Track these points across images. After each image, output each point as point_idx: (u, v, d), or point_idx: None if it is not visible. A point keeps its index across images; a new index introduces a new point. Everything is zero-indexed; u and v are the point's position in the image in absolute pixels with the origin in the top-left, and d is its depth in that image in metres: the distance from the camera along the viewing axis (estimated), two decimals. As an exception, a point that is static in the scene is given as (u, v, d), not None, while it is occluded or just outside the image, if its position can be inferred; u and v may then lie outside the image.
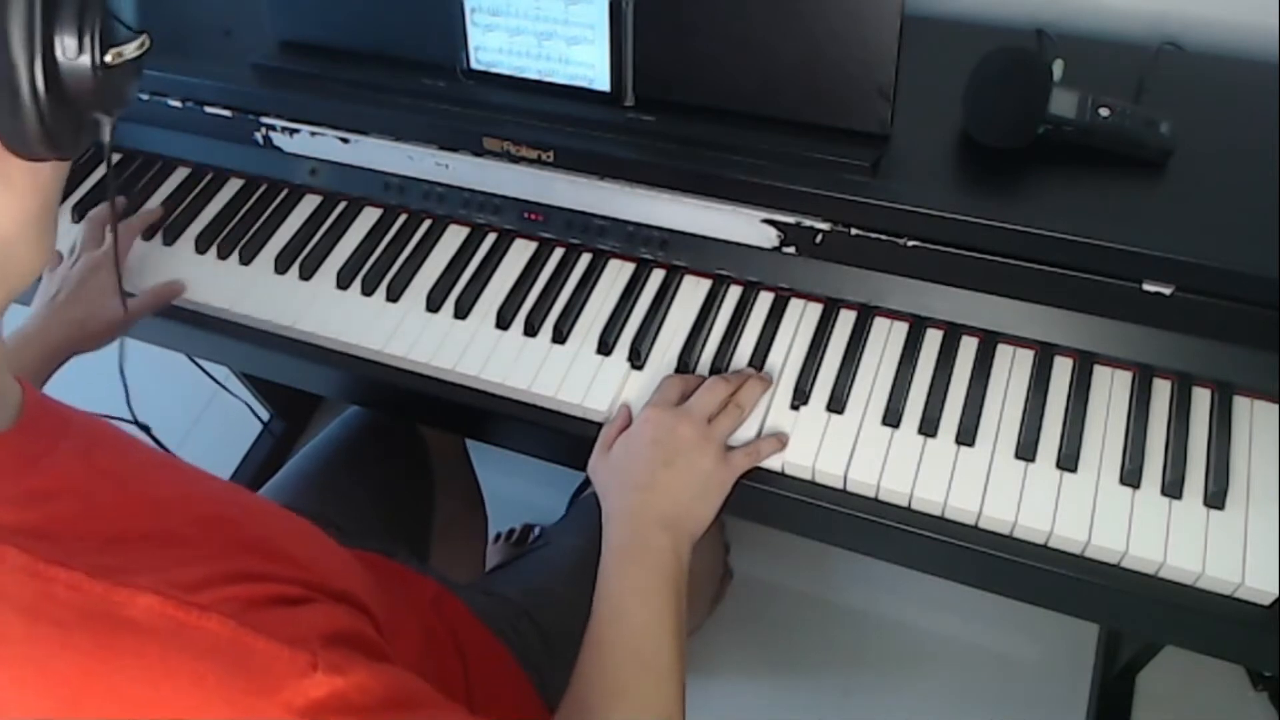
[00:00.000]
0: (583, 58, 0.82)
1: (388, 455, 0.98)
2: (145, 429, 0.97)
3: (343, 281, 0.87)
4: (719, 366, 0.78)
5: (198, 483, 0.52)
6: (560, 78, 0.84)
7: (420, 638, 0.70)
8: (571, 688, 0.63)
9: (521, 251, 0.88)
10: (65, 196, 0.97)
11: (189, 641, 0.39)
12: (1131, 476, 0.69)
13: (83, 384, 0.79)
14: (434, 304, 0.85)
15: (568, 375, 0.79)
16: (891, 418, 0.74)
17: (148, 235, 0.93)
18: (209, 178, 0.98)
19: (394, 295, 0.86)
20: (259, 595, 0.42)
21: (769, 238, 0.81)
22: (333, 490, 0.93)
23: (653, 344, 0.80)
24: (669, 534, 0.68)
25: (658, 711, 0.62)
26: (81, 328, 0.82)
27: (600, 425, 0.77)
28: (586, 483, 1.01)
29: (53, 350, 0.81)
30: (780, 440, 0.73)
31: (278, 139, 0.93)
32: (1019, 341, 0.77)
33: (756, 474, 0.74)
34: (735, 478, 0.72)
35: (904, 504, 0.71)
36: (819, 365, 0.77)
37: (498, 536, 1.44)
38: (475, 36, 0.84)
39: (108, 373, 0.88)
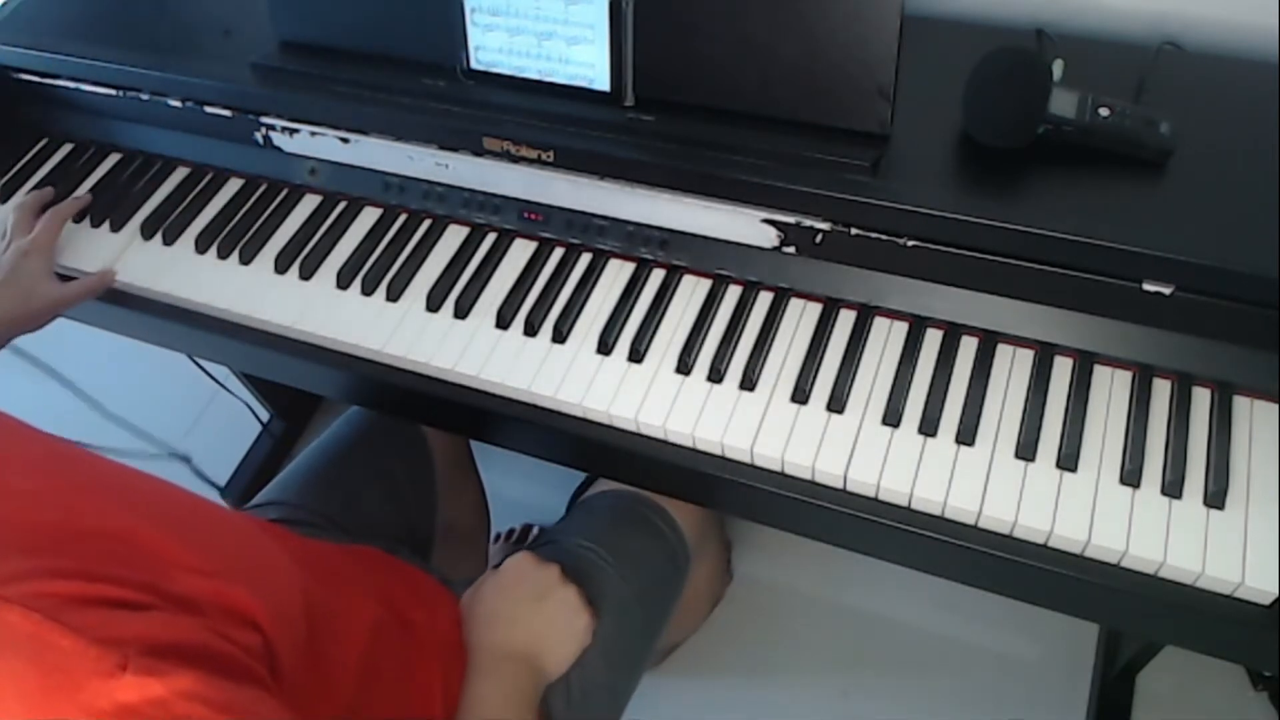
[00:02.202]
0: (583, 58, 0.82)
1: (393, 454, 0.98)
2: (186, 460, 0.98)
3: (343, 281, 0.87)
4: (719, 366, 0.78)
5: (71, 468, 0.51)
6: (560, 78, 0.84)
7: (371, 625, 0.69)
8: None
9: (521, 251, 0.88)
10: (66, 195, 0.97)
11: None
12: (1131, 476, 0.69)
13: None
14: (434, 304, 0.85)
15: (568, 375, 0.79)
16: (891, 417, 0.74)
17: (147, 234, 0.93)
18: (209, 178, 0.98)
19: (394, 295, 0.86)
20: (85, 594, 0.41)
21: (769, 238, 0.81)
22: (337, 489, 0.94)
23: (652, 343, 0.80)
24: None
25: None
26: (11, 314, 0.83)
27: (600, 425, 0.77)
28: (586, 482, 1.01)
29: None
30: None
31: (278, 139, 0.93)
32: (1019, 341, 0.77)
33: (757, 474, 0.74)
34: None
35: (904, 504, 0.71)
36: (819, 365, 0.77)
37: (498, 536, 1.44)
38: (475, 36, 0.84)
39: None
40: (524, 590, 0.79)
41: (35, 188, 0.99)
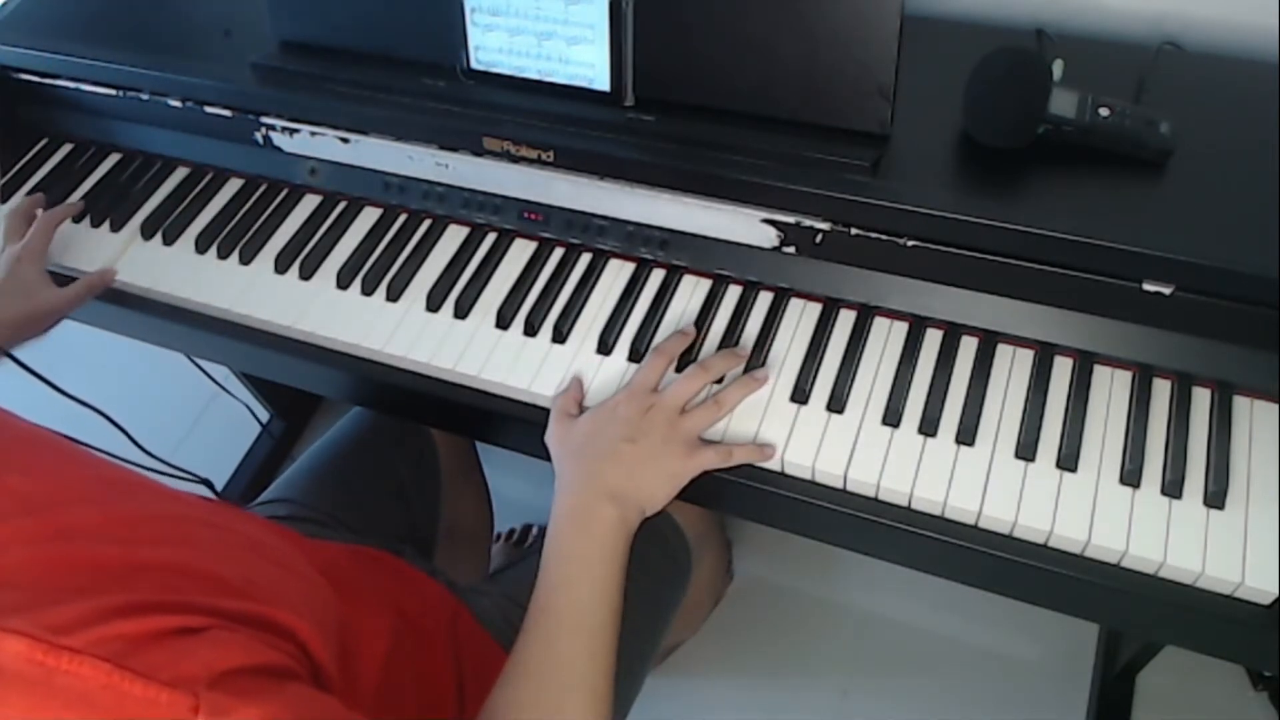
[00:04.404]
0: (583, 57, 0.82)
1: (398, 453, 0.98)
2: (209, 484, 0.97)
3: (343, 281, 0.87)
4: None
5: (124, 497, 0.51)
6: (560, 78, 0.84)
7: (390, 636, 0.69)
8: (515, 650, 0.65)
9: (521, 251, 0.88)
10: (66, 195, 0.97)
11: (59, 689, 0.38)
12: (1131, 476, 0.69)
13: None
14: (434, 304, 0.85)
15: (567, 375, 0.79)
16: (891, 417, 0.74)
17: (147, 234, 0.93)
18: (209, 178, 0.98)
19: (394, 295, 0.86)
20: (150, 630, 0.41)
21: (769, 238, 0.81)
22: (342, 488, 0.94)
23: (653, 343, 0.80)
24: (616, 505, 0.69)
25: (592, 683, 0.63)
26: (13, 321, 0.82)
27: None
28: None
29: None
30: (762, 451, 0.73)
31: (278, 139, 0.93)
32: (1019, 341, 0.77)
33: (756, 474, 0.74)
34: (699, 471, 0.72)
35: (904, 504, 0.71)
36: (819, 365, 0.77)
37: (498, 536, 1.44)
38: (475, 36, 0.84)
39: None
40: None
41: (35, 188, 0.99)
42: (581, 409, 0.77)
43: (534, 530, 1.46)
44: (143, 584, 0.44)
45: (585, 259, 0.86)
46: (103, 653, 0.39)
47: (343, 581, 0.69)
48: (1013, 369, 0.76)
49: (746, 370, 0.77)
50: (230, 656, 0.42)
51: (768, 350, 0.79)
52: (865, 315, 0.80)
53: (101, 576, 0.43)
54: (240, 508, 0.84)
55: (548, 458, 0.77)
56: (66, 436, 0.57)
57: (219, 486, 1.56)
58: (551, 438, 0.75)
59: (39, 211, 0.92)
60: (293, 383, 0.93)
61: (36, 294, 0.84)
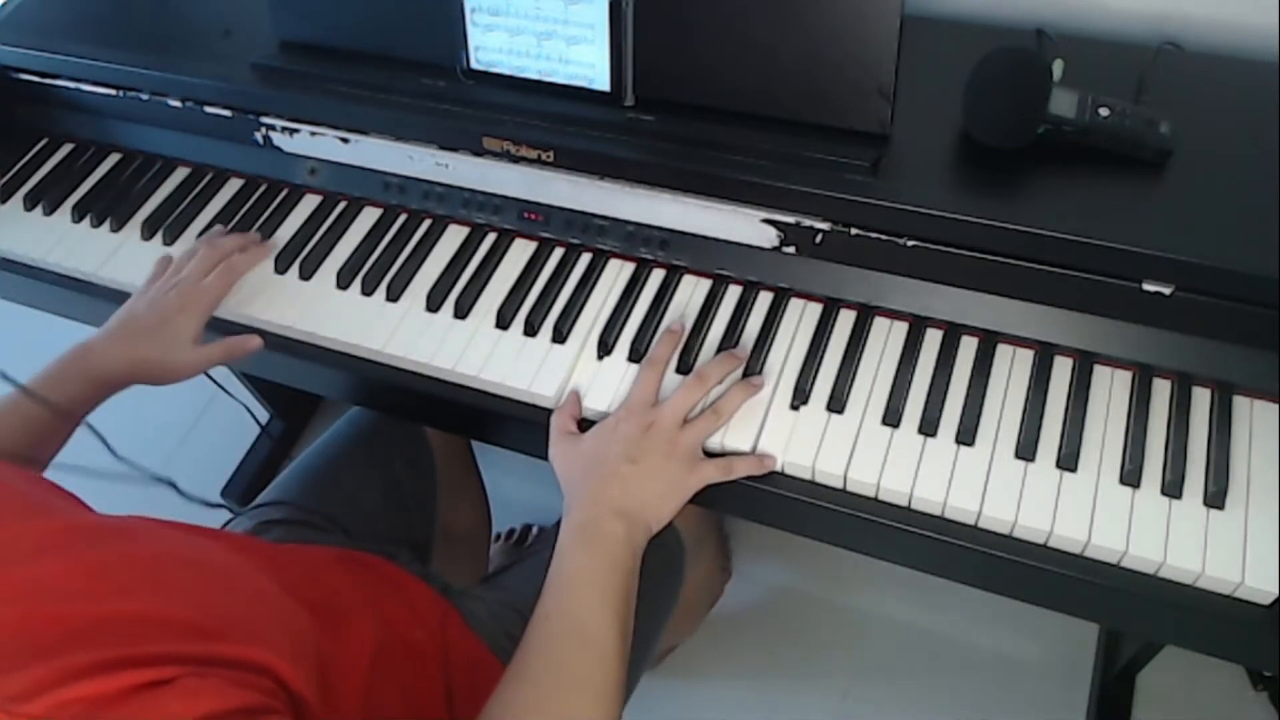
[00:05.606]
0: (583, 57, 0.82)
1: (394, 455, 0.98)
2: (172, 484, 0.94)
3: (342, 281, 0.87)
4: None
5: (91, 544, 0.50)
6: (560, 77, 0.84)
7: (373, 652, 0.69)
8: (516, 656, 0.64)
9: (521, 251, 0.88)
10: (66, 195, 0.97)
11: None
12: (1131, 476, 0.69)
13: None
14: (434, 304, 0.85)
15: (567, 375, 0.79)
16: (891, 417, 0.74)
17: (147, 234, 0.93)
18: (209, 178, 0.98)
19: (394, 295, 0.86)
20: (117, 687, 0.40)
21: (769, 237, 0.81)
22: (338, 489, 0.93)
23: (653, 344, 0.80)
24: (624, 523, 0.69)
25: (596, 689, 0.63)
26: (144, 367, 0.78)
27: (600, 425, 0.77)
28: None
29: (107, 382, 0.78)
30: (761, 462, 0.73)
31: (277, 139, 0.93)
32: (1019, 341, 0.77)
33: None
34: (701, 486, 0.72)
35: (904, 504, 0.71)
36: (819, 365, 0.77)
37: (498, 536, 1.44)
38: (475, 36, 0.84)
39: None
40: None
41: (35, 188, 0.99)
42: (580, 422, 0.77)
43: (533, 530, 1.46)
44: (110, 638, 0.43)
45: (585, 259, 0.86)
46: (65, 716, 0.38)
47: (326, 592, 0.68)
48: (1013, 369, 0.76)
49: (745, 374, 0.77)
50: (202, 703, 0.42)
51: (768, 350, 0.79)
52: (865, 315, 0.80)
53: (67, 635, 0.43)
54: (213, 529, 0.83)
55: (547, 458, 0.77)
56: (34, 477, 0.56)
57: (218, 488, 1.56)
58: (555, 458, 0.76)
59: (234, 252, 0.86)
60: (293, 383, 0.93)
61: (179, 351, 0.79)
